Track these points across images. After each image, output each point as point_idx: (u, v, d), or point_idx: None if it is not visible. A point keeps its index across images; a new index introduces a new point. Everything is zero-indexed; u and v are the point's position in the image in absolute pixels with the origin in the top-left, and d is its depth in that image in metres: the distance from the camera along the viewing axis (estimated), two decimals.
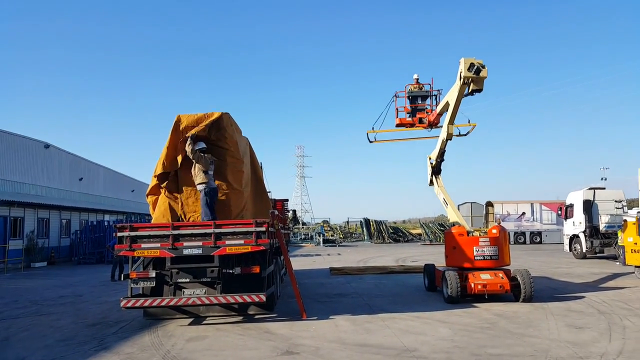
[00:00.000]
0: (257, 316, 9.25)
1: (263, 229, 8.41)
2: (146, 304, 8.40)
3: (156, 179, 9.51)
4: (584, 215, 22.10)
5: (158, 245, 8.37)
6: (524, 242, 39.03)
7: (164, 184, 9.54)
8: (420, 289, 12.64)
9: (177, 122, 9.29)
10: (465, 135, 13.93)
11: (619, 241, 17.73)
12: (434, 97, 13.84)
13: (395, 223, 68.07)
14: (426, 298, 11.32)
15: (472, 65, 10.74)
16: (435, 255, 24.90)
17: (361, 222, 48.55)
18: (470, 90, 11.05)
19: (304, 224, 70.38)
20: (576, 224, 22.72)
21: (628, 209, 21.27)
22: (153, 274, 8.54)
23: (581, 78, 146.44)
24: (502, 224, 40.20)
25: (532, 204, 40.29)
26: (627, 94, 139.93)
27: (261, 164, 13.38)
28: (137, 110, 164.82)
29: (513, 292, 10.69)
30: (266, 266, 8.81)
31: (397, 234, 49.62)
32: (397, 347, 6.82)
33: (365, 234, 46.53)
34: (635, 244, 14.24)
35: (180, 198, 9.61)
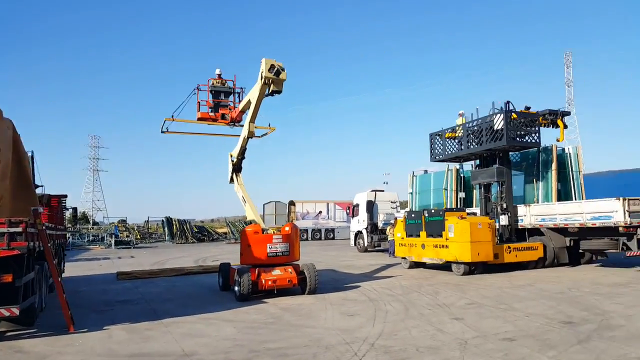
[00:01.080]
0: (8, 333, 7.73)
1: (19, 229, 7.06)
2: None
3: None
4: (366, 214, 24.96)
5: None
6: (320, 238, 42.36)
7: None
8: (215, 289, 12.40)
9: None
10: (261, 137, 14.27)
11: (389, 236, 20.50)
12: (237, 95, 13.86)
13: (202, 222, 66.58)
14: (219, 298, 11.12)
15: (272, 66, 11.02)
16: (238, 254, 25.00)
17: (162, 221, 45.98)
18: (270, 90, 11.39)
19: (95, 223, 63.37)
20: (360, 222, 25.50)
21: (400, 209, 24.83)
22: None
23: (378, 89, 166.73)
24: (302, 221, 43.23)
25: (327, 204, 43.99)
26: (415, 110, 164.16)
27: (32, 152, 11.42)
28: None
29: (301, 286, 11.31)
30: (23, 274, 7.41)
31: (202, 233, 48.55)
32: (175, 353, 6.41)
33: (166, 234, 44.22)
34: (402, 238, 16.56)
35: None
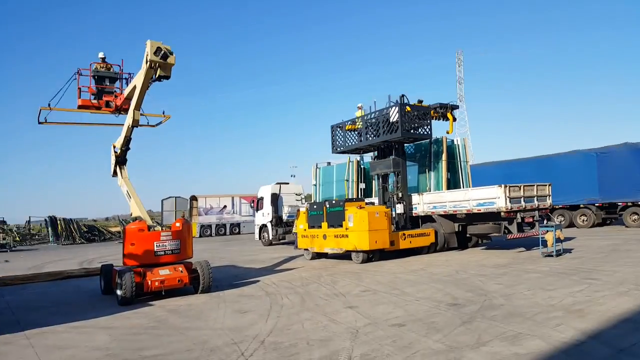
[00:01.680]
0: None
1: None
2: None
3: None
4: (271, 207, 24.57)
5: None
6: (225, 234, 41.15)
7: None
8: (97, 293, 11.25)
9: None
10: (155, 126, 13.34)
11: (294, 228, 20.32)
12: (124, 80, 12.71)
13: (95, 221, 61.70)
14: (99, 303, 10.05)
15: (159, 49, 10.19)
16: None
17: (45, 221, 41.72)
18: (157, 75, 10.58)
19: None
20: (265, 215, 25.06)
21: (306, 201, 24.78)
22: None
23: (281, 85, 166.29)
24: (205, 216, 41.73)
25: (232, 198, 42.85)
26: (321, 103, 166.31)
27: None
28: None
29: (194, 285, 10.65)
30: None
31: (92, 233, 44.99)
32: None
33: (50, 234, 40.17)
34: (305, 230, 16.43)
35: None
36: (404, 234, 15.06)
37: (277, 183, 25.33)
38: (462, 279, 10.35)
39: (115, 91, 12.74)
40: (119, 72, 12.83)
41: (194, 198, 42.39)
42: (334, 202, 15.41)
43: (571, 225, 23.72)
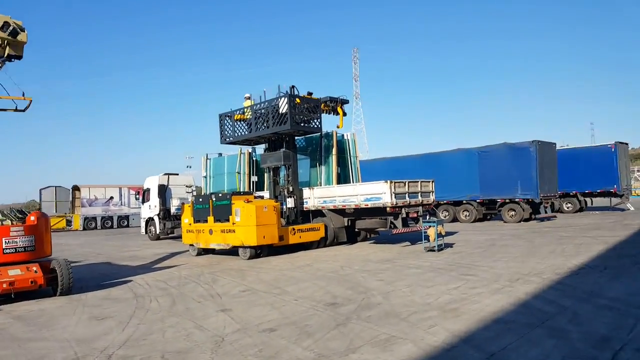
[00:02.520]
0: None
1: None
2: None
3: None
4: (158, 199, 23.00)
5: None
6: (112, 227, 38.14)
7: None
8: None
9: None
10: (24, 110, 11.59)
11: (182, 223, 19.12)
12: None
13: None
14: None
15: (6, 24, 8.78)
16: None
17: None
18: (6, 54, 9.27)
19: None
20: (152, 207, 23.41)
21: (197, 194, 23.53)
22: None
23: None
24: (90, 208, 38.31)
25: (120, 188, 39.81)
26: (217, 93, 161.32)
27: None
28: None
29: (52, 286, 9.39)
30: None
31: None
32: None
33: None
34: (190, 224, 15.45)
35: None
36: (294, 229, 14.76)
37: (166, 174, 23.82)
38: (345, 275, 10.25)
39: None
40: None
41: (76, 188, 38.76)
42: (220, 195, 14.63)
43: (455, 220, 25.21)
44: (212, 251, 15.38)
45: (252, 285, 9.58)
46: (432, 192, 15.96)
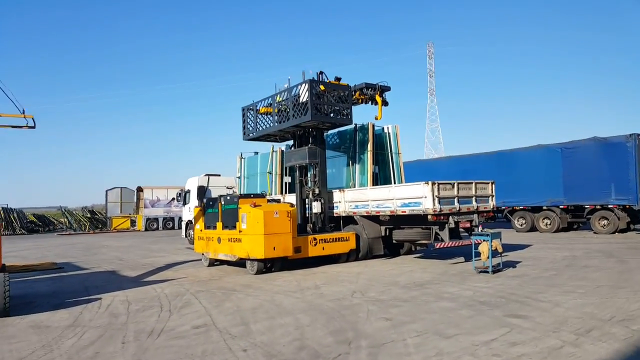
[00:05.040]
0: None
1: None
2: None
3: None
4: (198, 201, 21.63)
5: None
6: (173, 227, 38.06)
7: None
8: None
9: None
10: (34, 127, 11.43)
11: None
12: None
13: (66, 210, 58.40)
14: None
15: None
16: (46, 249, 20.41)
17: None
18: None
19: None
20: (191, 210, 22.13)
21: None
22: None
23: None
24: (152, 209, 38.58)
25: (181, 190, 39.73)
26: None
27: None
28: None
29: None
30: None
31: (36, 224, 42.02)
32: None
33: None
34: (201, 230, 13.58)
35: None
36: (315, 239, 12.27)
37: (206, 175, 22.47)
38: (347, 307, 7.61)
39: None
40: None
41: (140, 189, 39.30)
42: (228, 197, 12.54)
43: (533, 229, 21.26)
44: (227, 262, 13.38)
45: (217, 318, 7.28)
46: (492, 196, 12.70)
